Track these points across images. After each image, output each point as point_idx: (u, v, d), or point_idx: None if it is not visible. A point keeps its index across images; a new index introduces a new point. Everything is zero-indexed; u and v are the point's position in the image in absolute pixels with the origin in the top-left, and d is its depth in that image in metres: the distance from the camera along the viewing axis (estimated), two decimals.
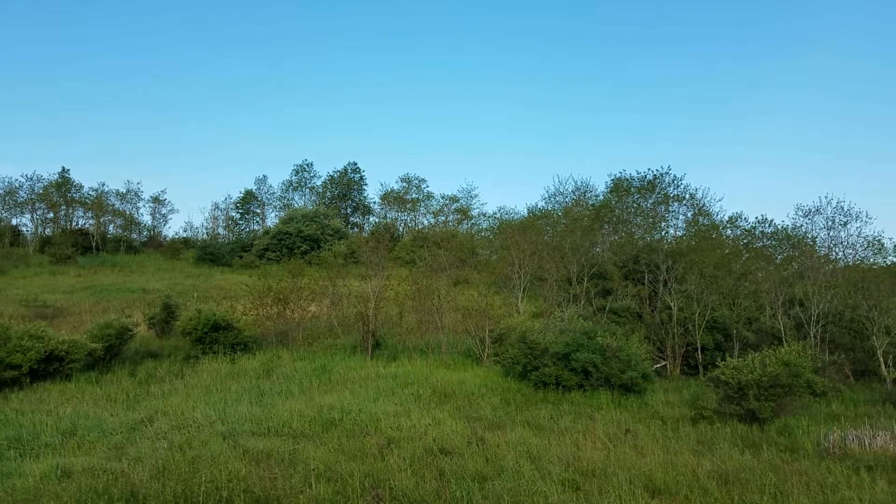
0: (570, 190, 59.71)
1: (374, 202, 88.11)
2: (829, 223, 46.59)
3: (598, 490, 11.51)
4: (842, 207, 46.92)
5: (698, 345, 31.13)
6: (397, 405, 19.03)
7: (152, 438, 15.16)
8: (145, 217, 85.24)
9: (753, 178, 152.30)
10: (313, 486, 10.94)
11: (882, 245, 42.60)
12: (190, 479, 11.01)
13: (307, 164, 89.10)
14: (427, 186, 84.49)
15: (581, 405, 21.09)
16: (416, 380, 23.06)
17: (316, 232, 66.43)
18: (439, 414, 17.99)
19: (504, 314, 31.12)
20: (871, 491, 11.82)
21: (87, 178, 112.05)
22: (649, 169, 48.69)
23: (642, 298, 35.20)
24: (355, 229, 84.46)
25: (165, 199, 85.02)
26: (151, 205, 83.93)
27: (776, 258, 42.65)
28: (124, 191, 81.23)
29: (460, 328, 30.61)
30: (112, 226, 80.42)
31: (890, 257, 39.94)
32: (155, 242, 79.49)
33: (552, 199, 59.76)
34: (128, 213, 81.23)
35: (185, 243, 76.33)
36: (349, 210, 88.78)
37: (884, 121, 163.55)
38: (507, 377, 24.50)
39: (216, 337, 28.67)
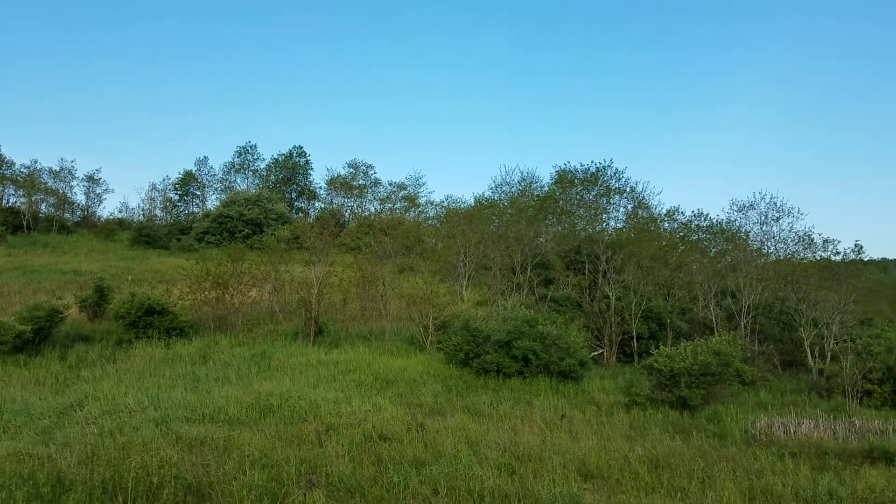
0: (516, 180, 60.22)
1: (320, 187, 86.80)
2: (763, 218, 47.98)
3: (532, 474, 11.73)
4: (775, 203, 48.33)
5: (634, 333, 31.98)
6: (338, 392, 18.95)
7: (81, 423, 14.76)
8: (79, 196, 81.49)
9: (692, 173, 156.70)
10: (248, 472, 10.80)
11: (812, 240, 44.03)
12: (119, 465, 10.73)
13: (251, 147, 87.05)
14: (374, 173, 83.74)
15: (520, 391, 21.43)
16: (358, 366, 22.99)
17: (259, 216, 65.10)
18: (380, 400, 18.01)
19: (448, 302, 31.29)
20: (795, 477, 12.36)
21: (18, 155, 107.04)
22: (592, 161, 49.47)
23: (582, 288, 35.90)
24: (300, 214, 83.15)
25: (100, 179, 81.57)
26: (86, 184, 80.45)
27: (710, 251, 43.95)
28: (58, 169, 77.68)
29: (404, 315, 30.62)
30: (44, 205, 76.88)
31: (819, 252, 41.47)
32: (89, 223, 76.45)
33: (499, 188, 60.17)
34: (61, 191, 77.77)
35: (121, 224, 73.68)
36: (294, 195, 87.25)
37: (819, 118, 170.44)
38: (449, 364, 24.67)
39: (150, 321, 27.95)
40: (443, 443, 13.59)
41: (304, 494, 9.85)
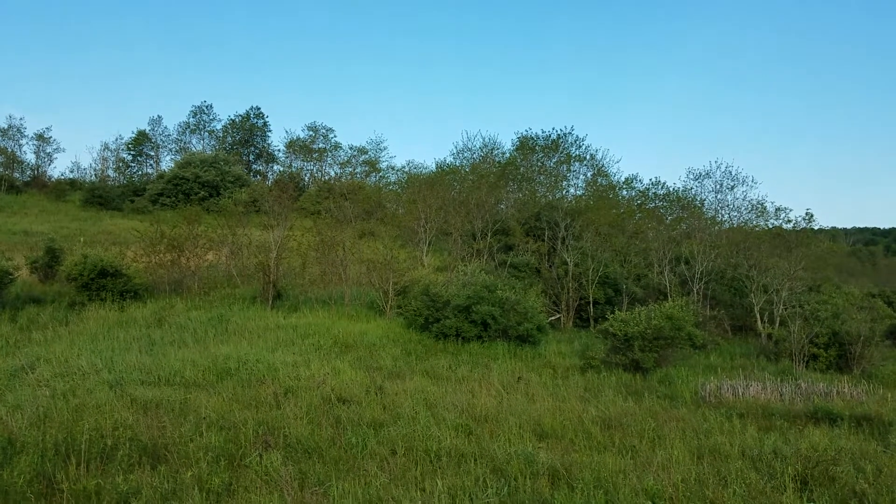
0: (477, 146, 59.92)
1: (279, 150, 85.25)
2: (718, 186, 48.92)
3: (489, 434, 11.95)
4: (730, 172, 49.30)
5: (591, 299, 32.53)
6: (296, 355, 18.87)
7: (33, 386, 14.47)
8: (28, 155, 78.63)
9: (651, 141, 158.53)
10: (204, 434, 10.75)
11: (764, 208, 45.17)
12: (72, 428, 10.57)
13: (206, 106, 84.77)
14: (335, 136, 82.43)
15: (479, 355, 21.67)
16: (318, 331, 22.90)
17: (215, 178, 63.62)
18: (339, 364, 18.01)
19: (408, 267, 31.27)
20: (742, 436, 12.76)
21: None
22: (553, 128, 49.71)
23: (541, 254, 36.30)
24: (258, 177, 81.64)
25: (50, 137, 78.67)
26: (35, 143, 77.65)
27: (666, 219, 44.78)
28: (6, 127, 74.97)
29: (364, 280, 30.53)
30: None
31: (771, 220, 42.51)
32: (39, 183, 73.89)
33: (460, 154, 59.86)
34: (9, 150, 75.04)
35: (72, 185, 71.32)
36: (252, 157, 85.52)
37: (772, 90, 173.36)
38: (409, 329, 24.77)
39: (104, 283, 27.37)
40: (401, 405, 13.70)
41: (261, 455, 9.87)
